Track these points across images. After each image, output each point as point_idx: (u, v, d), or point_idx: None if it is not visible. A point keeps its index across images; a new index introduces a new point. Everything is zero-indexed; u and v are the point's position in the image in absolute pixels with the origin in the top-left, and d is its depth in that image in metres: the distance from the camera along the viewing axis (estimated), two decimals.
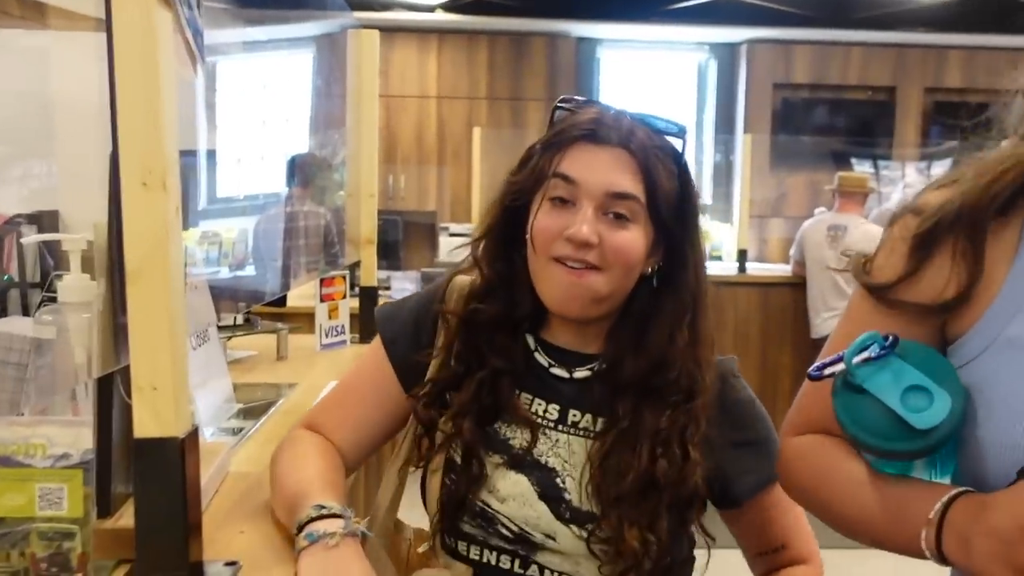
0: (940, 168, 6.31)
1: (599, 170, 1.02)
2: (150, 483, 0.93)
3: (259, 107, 2.61)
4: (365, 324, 2.45)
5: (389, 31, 2.94)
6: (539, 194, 1.05)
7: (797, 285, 4.61)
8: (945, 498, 0.75)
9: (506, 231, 1.09)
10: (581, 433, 1.07)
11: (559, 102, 1.10)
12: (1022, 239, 0.78)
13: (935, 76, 6.32)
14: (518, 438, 1.08)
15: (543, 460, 1.07)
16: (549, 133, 1.07)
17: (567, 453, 1.07)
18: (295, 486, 1.07)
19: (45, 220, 2.04)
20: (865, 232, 4.38)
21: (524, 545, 1.06)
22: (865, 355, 0.76)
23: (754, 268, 5.14)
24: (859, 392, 0.76)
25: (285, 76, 3.21)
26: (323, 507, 1.00)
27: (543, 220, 1.04)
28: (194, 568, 0.95)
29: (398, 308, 1.21)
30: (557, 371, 1.10)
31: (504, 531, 1.07)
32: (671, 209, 1.04)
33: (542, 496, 1.06)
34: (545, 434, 1.08)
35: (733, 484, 1.09)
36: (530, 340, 1.11)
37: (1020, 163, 0.80)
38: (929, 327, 0.83)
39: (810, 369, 0.82)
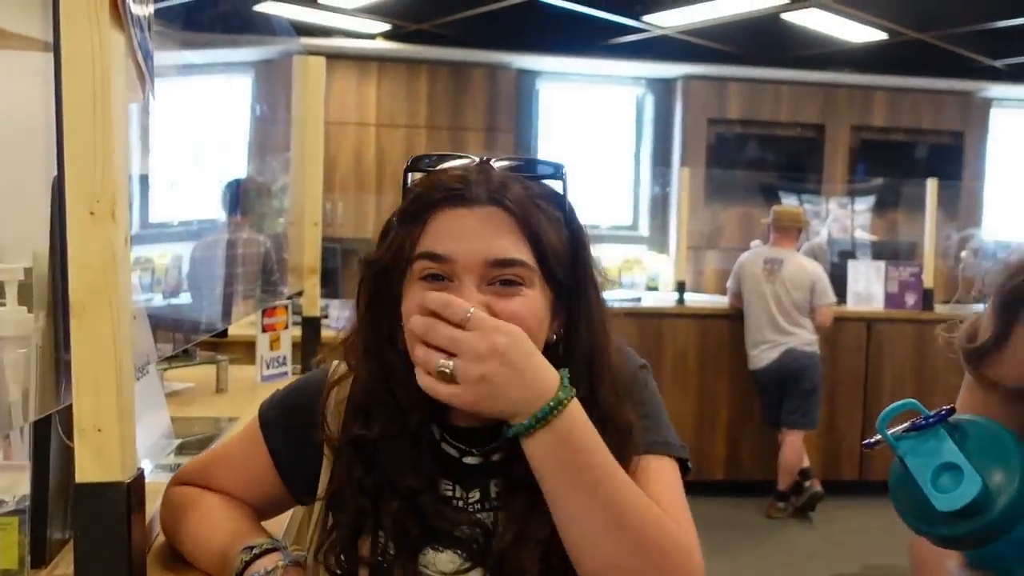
0: (863, 204, 6.53)
1: (472, 237, 0.86)
2: (92, 531, 0.87)
3: (196, 131, 2.54)
4: (307, 355, 2.39)
5: (330, 57, 2.91)
6: (407, 277, 0.89)
7: (735, 317, 4.68)
8: None
9: (376, 322, 0.93)
10: (497, 505, 0.94)
11: (410, 164, 0.93)
12: None
13: (861, 115, 6.55)
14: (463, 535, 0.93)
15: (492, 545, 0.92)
16: (405, 202, 0.91)
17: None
18: (217, 546, 1.01)
19: None
20: (798, 265, 4.49)
21: None
22: (908, 424, 0.70)
23: (691, 299, 5.21)
24: (904, 466, 0.69)
25: (224, 100, 3.15)
26: (252, 547, 0.97)
27: (415, 304, 0.86)
28: None
29: (280, 414, 1.04)
30: (470, 460, 0.94)
31: None
32: (564, 263, 0.90)
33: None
34: (478, 520, 0.93)
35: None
36: (435, 430, 0.95)
37: None
38: None
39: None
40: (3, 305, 1.05)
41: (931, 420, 0.69)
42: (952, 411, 0.70)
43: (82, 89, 0.86)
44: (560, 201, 0.92)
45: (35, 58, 1.02)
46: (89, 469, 0.87)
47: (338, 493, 0.94)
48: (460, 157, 0.92)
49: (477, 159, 0.91)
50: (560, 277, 0.90)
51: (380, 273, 0.91)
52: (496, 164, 0.91)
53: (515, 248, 0.87)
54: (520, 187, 0.89)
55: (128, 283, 0.90)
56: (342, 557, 0.93)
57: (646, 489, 0.89)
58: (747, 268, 4.57)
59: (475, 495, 0.94)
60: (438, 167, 0.92)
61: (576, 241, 0.92)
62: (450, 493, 0.94)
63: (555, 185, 0.93)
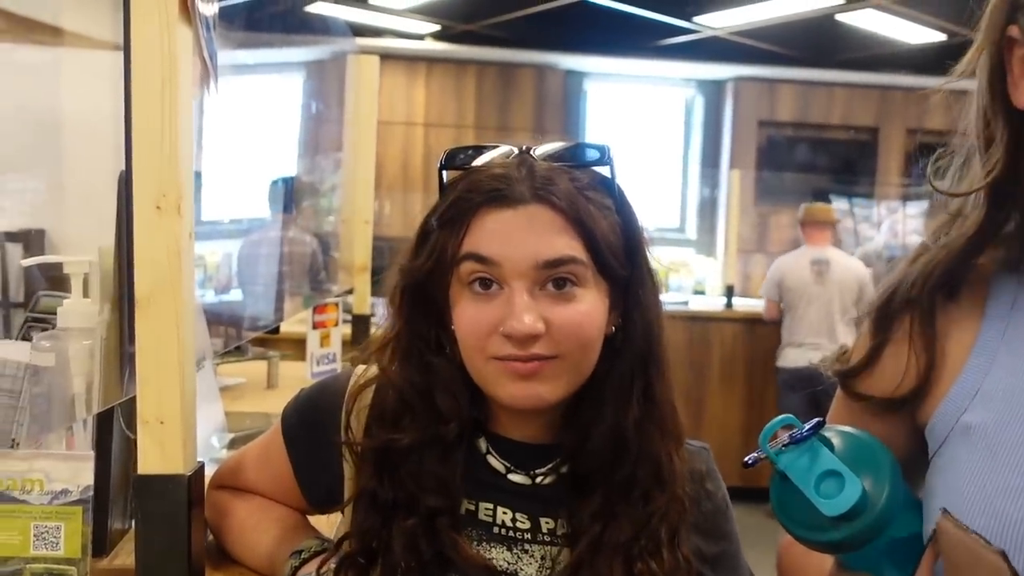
0: (916, 208, 6.39)
1: (519, 239, 0.81)
2: (153, 523, 0.88)
3: (247, 130, 2.58)
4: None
5: (379, 57, 2.92)
6: (453, 282, 0.84)
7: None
8: None
9: (417, 329, 0.88)
10: (563, 541, 0.87)
11: (444, 160, 0.87)
12: (983, 324, 0.76)
13: (917, 117, 6.41)
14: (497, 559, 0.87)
15: None
16: (444, 203, 0.85)
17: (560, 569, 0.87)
18: (264, 551, 1.00)
19: (31, 239, 1.99)
20: (845, 267, 4.37)
21: None
22: (785, 439, 0.72)
23: (739, 303, 5.14)
24: (784, 479, 0.72)
25: (276, 100, 3.18)
26: (300, 551, 0.95)
27: (468, 315, 0.82)
28: None
29: (300, 423, 0.99)
30: (516, 478, 0.89)
31: None
32: (618, 254, 0.85)
33: None
34: (526, 551, 0.87)
35: None
36: (481, 443, 0.90)
37: (945, 246, 0.78)
38: (896, 422, 0.80)
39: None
40: (69, 297, 1.07)
41: (806, 433, 0.71)
42: (823, 423, 0.73)
43: (151, 84, 0.87)
44: (610, 187, 0.86)
45: (104, 58, 1.04)
46: (151, 461, 0.88)
47: (355, 506, 0.89)
48: (496, 147, 0.86)
49: (516, 149, 0.85)
50: (615, 269, 0.84)
51: (422, 280, 0.86)
52: (538, 151, 0.85)
53: (566, 245, 0.81)
54: (566, 179, 0.83)
55: (192, 277, 0.91)
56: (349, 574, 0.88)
57: None
58: (792, 274, 4.42)
59: (524, 522, 0.88)
60: (475, 161, 0.85)
61: (629, 228, 0.86)
62: (489, 517, 0.88)
63: (602, 170, 0.87)
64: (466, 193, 0.83)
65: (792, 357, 4.38)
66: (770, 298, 4.56)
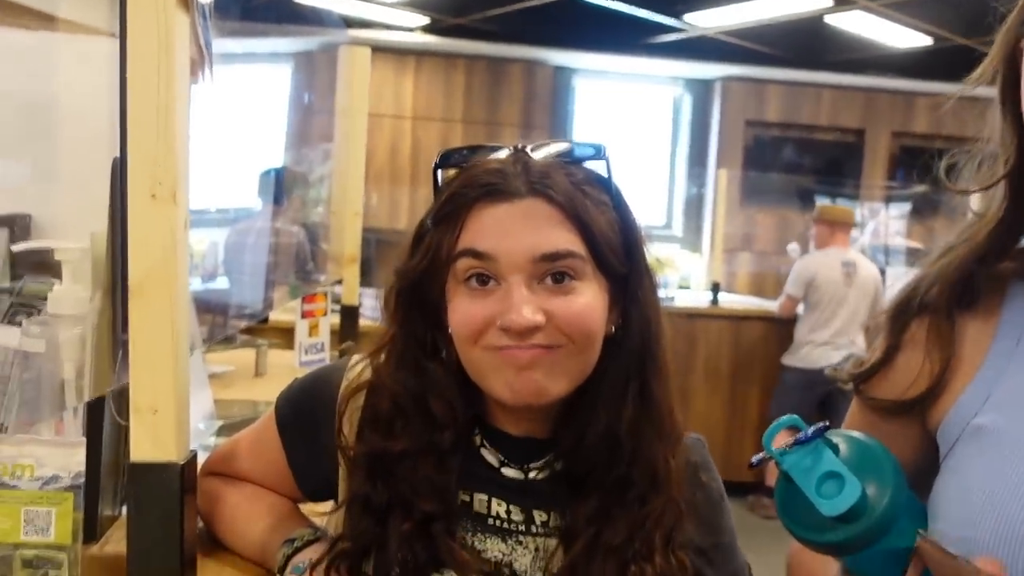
0: (898, 210, 6.44)
1: (516, 233, 0.80)
2: (145, 510, 0.88)
3: (237, 119, 2.57)
4: (344, 342, 2.41)
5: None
6: (448, 280, 0.83)
7: (769, 319, 4.63)
8: None
9: (412, 332, 0.87)
10: (554, 533, 0.88)
11: (440, 160, 0.86)
12: (998, 330, 0.78)
13: (903, 121, 6.46)
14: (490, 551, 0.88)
15: None
16: (438, 201, 0.84)
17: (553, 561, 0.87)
18: (257, 539, 1.00)
19: (16, 224, 1.98)
20: (868, 270, 4.37)
21: None
22: (790, 440, 0.73)
23: (725, 300, 5.17)
24: (788, 480, 0.73)
25: (264, 90, 3.17)
26: (293, 540, 0.96)
27: (462, 309, 0.81)
28: None
29: (295, 413, 0.99)
30: (509, 472, 0.89)
31: None
32: (616, 250, 0.84)
33: None
34: (520, 542, 0.88)
35: None
36: (476, 437, 0.90)
37: (960, 255, 0.79)
38: (907, 426, 0.81)
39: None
40: (59, 283, 1.06)
41: (811, 435, 0.72)
42: (828, 426, 0.73)
43: (147, 71, 0.87)
44: (606, 184, 0.86)
45: (99, 44, 1.03)
46: (144, 449, 0.88)
47: (349, 507, 0.89)
48: (493, 148, 0.85)
49: (511, 148, 0.84)
50: (614, 265, 0.84)
51: (417, 281, 0.85)
52: (533, 150, 0.84)
53: (564, 239, 0.80)
54: (563, 174, 0.82)
55: (186, 266, 0.91)
56: (343, 572, 0.87)
57: None
58: (823, 275, 4.36)
59: (518, 514, 0.88)
60: (471, 161, 0.85)
61: (626, 225, 0.86)
62: (484, 509, 0.89)
63: (598, 167, 0.86)
64: (461, 189, 0.83)
65: (812, 357, 4.35)
66: (793, 295, 4.51)
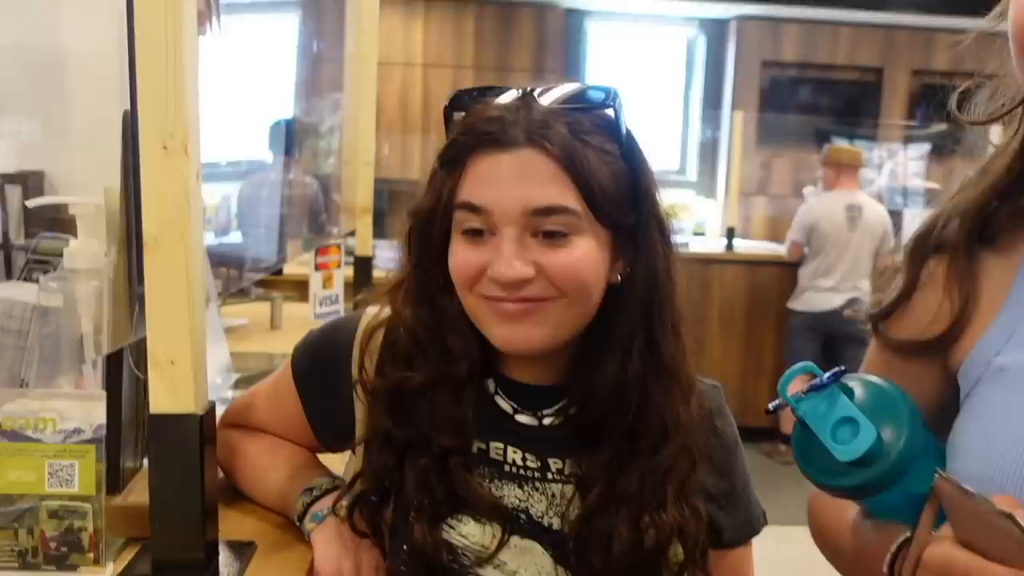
0: (918, 151, 6.34)
1: (509, 184, 0.80)
2: (166, 461, 0.90)
3: (246, 70, 2.54)
4: (358, 293, 2.41)
5: None
6: (452, 223, 0.84)
7: (785, 263, 4.61)
8: (894, 547, 0.71)
9: (426, 270, 0.88)
10: (570, 480, 0.89)
11: (452, 101, 0.86)
12: (1021, 267, 0.75)
13: (922, 58, 6.32)
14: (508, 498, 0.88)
15: (546, 523, 0.88)
16: (445, 144, 0.85)
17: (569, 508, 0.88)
18: (275, 489, 1.02)
19: (29, 180, 1.98)
20: (874, 211, 4.32)
21: None
22: (806, 386, 0.73)
23: (740, 245, 5.14)
24: (804, 426, 0.73)
25: (272, 39, 3.13)
26: (311, 488, 0.98)
27: (459, 257, 0.83)
28: (210, 549, 0.93)
29: (311, 364, 1.00)
30: (523, 419, 0.90)
31: None
32: (619, 201, 0.83)
33: (559, 560, 0.87)
34: (536, 488, 0.89)
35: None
36: (489, 383, 0.91)
37: (979, 190, 0.77)
38: (927, 367, 0.80)
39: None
40: (74, 239, 1.06)
41: (827, 380, 0.72)
42: (844, 371, 0.73)
43: (155, 22, 0.85)
44: (615, 131, 0.84)
45: None
46: (163, 401, 0.88)
47: (368, 445, 0.91)
48: (502, 90, 0.85)
49: (520, 91, 0.84)
50: (615, 217, 0.83)
51: (426, 222, 0.86)
52: (541, 94, 0.83)
53: (558, 194, 0.80)
54: (563, 124, 0.81)
55: (200, 218, 0.91)
56: (364, 514, 0.90)
57: None
58: (827, 220, 4.33)
59: (534, 461, 0.89)
60: (479, 104, 0.84)
61: (635, 174, 0.84)
62: (500, 456, 0.90)
63: (608, 114, 0.84)
64: (461, 135, 0.83)
65: (816, 301, 4.35)
66: (797, 241, 4.50)
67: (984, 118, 0.78)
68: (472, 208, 0.81)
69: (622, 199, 0.83)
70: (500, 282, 0.80)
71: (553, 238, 0.80)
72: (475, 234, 0.82)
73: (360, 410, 0.94)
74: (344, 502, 0.93)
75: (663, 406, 0.86)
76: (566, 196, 0.80)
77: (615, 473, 0.85)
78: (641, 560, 0.85)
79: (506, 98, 0.84)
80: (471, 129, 0.82)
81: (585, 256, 0.81)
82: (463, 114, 0.85)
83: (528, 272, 0.80)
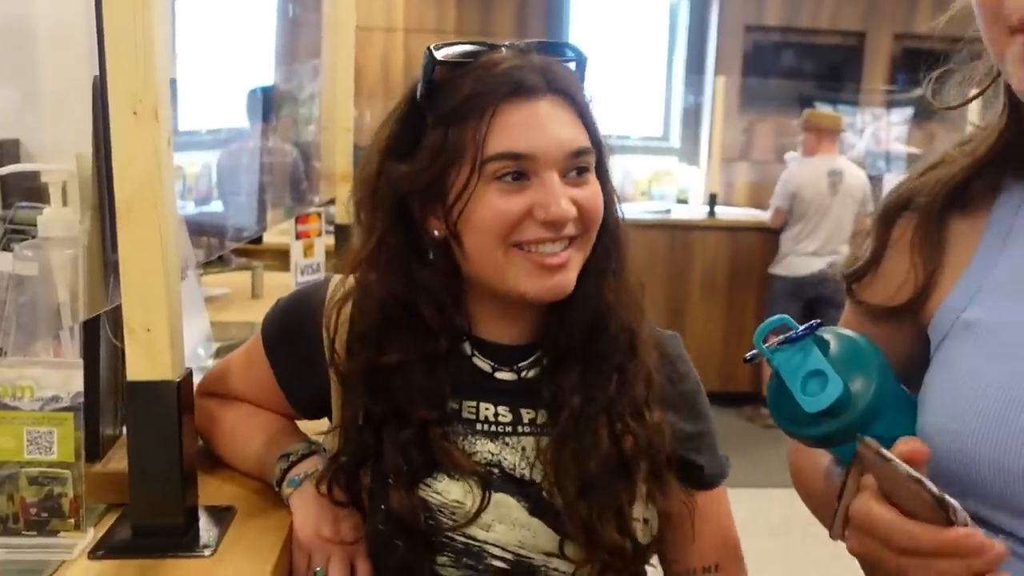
0: (900, 115, 6.34)
1: (548, 130, 0.83)
2: (144, 428, 0.90)
3: (222, 36, 2.51)
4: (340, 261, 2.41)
5: None
6: (464, 175, 0.83)
7: (767, 230, 4.62)
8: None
9: (399, 239, 0.88)
10: (543, 431, 0.92)
11: (434, 55, 0.85)
12: (989, 226, 0.77)
13: (905, 22, 6.31)
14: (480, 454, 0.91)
15: (519, 474, 0.90)
16: (453, 100, 0.84)
17: (540, 459, 0.91)
18: (253, 455, 1.03)
19: (5, 149, 1.95)
20: (854, 175, 4.34)
21: (524, 572, 0.90)
22: (781, 338, 0.75)
23: (722, 212, 5.15)
24: (779, 377, 0.76)
25: (249, 5, 3.09)
26: (288, 454, 0.99)
27: (494, 204, 0.83)
28: (190, 514, 0.94)
29: (281, 332, 1.00)
30: (503, 375, 0.93)
31: (497, 563, 0.89)
32: (598, 142, 0.89)
33: (533, 512, 0.89)
34: (507, 443, 0.91)
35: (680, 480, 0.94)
36: (465, 346, 0.93)
37: (961, 167, 0.78)
38: (899, 327, 0.81)
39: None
40: (48, 207, 1.06)
41: (801, 333, 0.74)
42: (820, 325, 0.76)
43: None
44: (582, 81, 0.91)
45: None
46: (140, 368, 0.89)
47: (345, 424, 0.92)
48: (493, 46, 0.87)
49: (511, 46, 0.87)
50: (603, 159, 0.90)
51: (416, 180, 0.85)
52: (533, 50, 0.87)
53: (583, 136, 0.86)
54: (562, 70, 0.87)
55: (172, 184, 0.91)
56: (340, 484, 0.91)
57: (719, 534, 0.98)
58: (809, 186, 4.35)
59: (505, 415, 0.92)
60: (480, 59, 0.85)
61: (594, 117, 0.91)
62: (472, 415, 0.92)
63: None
64: (482, 88, 0.83)
65: (796, 265, 4.38)
66: (781, 208, 4.52)
67: (957, 103, 0.79)
68: (515, 156, 0.83)
69: (603, 145, 0.90)
70: (553, 221, 0.83)
71: (582, 175, 0.86)
72: (515, 178, 0.83)
73: (334, 384, 0.95)
74: (319, 464, 0.95)
75: (631, 325, 0.91)
76: (587, 138, 0.87)
77: (585, 391, 0.89)
78: (613, 477, 0.88)
79: (502, 52, 0.86)
80: (489, 81, 0.83)
81: (599, 191, 0.88)
82: (455, 68, 0.85)
83: (573, 210, 0.84)
